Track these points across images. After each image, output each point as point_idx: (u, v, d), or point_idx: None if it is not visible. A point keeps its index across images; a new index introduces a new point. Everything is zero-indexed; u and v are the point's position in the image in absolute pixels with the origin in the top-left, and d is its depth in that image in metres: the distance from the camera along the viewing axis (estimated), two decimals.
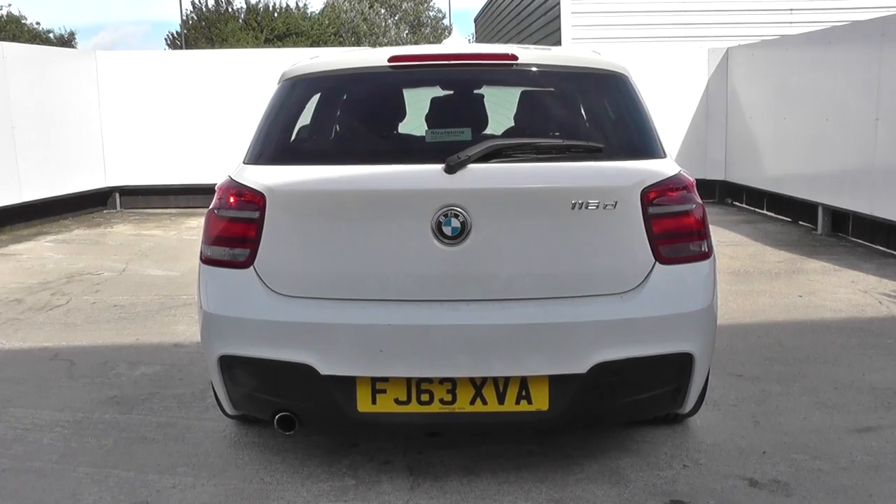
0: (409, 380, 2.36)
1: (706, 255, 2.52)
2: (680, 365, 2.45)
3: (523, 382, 2.36)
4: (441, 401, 2.37)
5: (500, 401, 2.37)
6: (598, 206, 2.35)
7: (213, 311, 2.50)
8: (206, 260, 2.55)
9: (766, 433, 3.11)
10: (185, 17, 32.74)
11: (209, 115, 9.53)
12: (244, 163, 2.61)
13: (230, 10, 34.75)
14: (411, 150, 2.56)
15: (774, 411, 3.32)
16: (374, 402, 2.38)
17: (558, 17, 13.13)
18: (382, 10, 45.60)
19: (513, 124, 2.71)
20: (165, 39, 37.44)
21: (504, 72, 2.66)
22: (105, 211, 9.79)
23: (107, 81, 9.45)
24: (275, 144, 2.64)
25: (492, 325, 2.33)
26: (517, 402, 2.37)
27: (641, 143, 2.53)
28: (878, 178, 6.11)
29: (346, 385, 2.36)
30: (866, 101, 6.11)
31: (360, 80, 2.70)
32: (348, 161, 2.48)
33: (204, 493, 2.67)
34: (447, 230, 2.32)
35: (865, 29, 6.18)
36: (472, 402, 2.37)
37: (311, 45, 32.99)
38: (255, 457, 2.93)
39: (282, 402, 2.46)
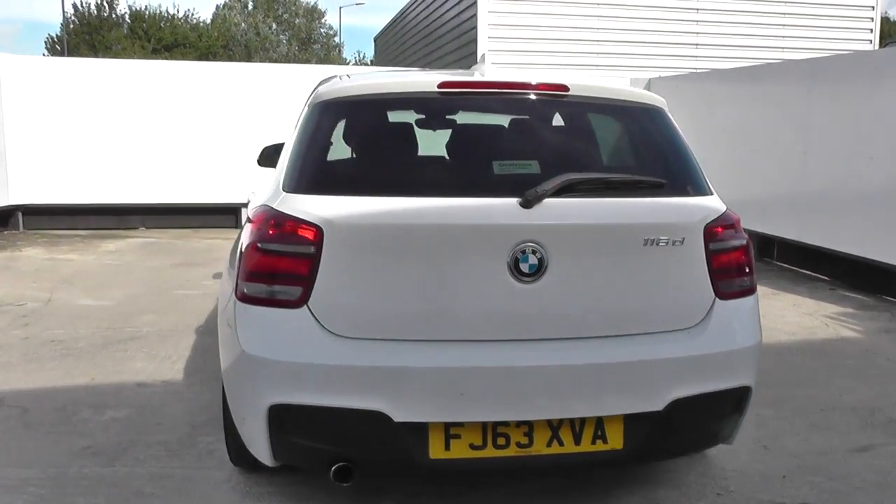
0: (485, 424, 2.24)
1: (753, 289, 2.57)
2: (739, 398, 2.47)
3: (599, 422, 2.30)
4: (517, 444, 2.27)
5: (577, 441, 2.30)
6: (667, 243, 2.34)
7: (261, 354, 2.25)
8: (246, 298, 2.31)
9: (778, 457, 3.19)
10: (66, 20, 30.73)
11: (124, 130, 8.95)
12: (285, 190, 2.38)
13: (114, 16, 33.01)
14: (478, 182, 2.44)
15: (776, 435, 3.42)
16: (447, 448, 2.24)
17: (475, 40, 13.29)
18: (274, 25, 44.76)
19: (567, 157, 2.65)
20: (45, 43, 35.04)
21: (554, 102, 2.61)
22: (6, 232, 8.94)
23: (9, 89, 8.66)
24: (322, 171, 2.45)
25: (573, 365, 2.26)
26: (593, 442, 2.31)
27: (693, 178, 2.55)
28: (806, 207, 6.51)
29: (419, 431, 2.21)
30: (795, 135, 6.51)
31: (407, 104, 2.57)
32: (411, 192, 2.32)
33: None
34: (524, 267, 2.24)
35: (797, 69, 6.61)
36: (549, 445, 2.28)
37: (200, 58, 31.85)
38: None
39: (342, 452, 2.26)
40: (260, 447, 2.37)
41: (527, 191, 2.25)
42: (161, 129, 9.06)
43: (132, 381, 4.02)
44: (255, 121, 9.32)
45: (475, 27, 13.27)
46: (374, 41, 24.86)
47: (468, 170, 2.53)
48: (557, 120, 2.63)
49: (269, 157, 4.66)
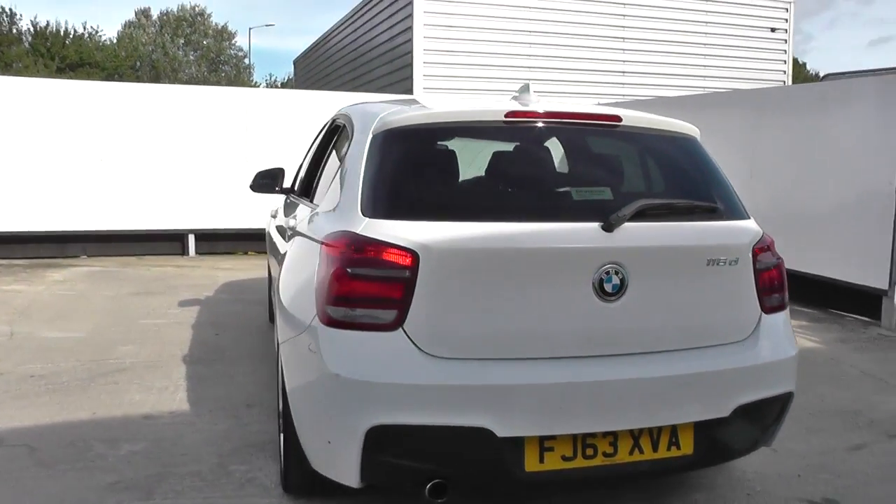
0: (575, 436, 2.35)
1: (786, 305, 2.80)
2: (783, 403, 2.68)
3: (674, 430, 2.46)
4: (604, 454, 2.39)
5: (654, 449, 2.44)
6: (725, 263, 2.55)
7: (358, 377, 2.28)
8: (334, 322, 2.34)
9: (787, 459, 3.43)
10: None
11: (62, 153, 8.60)
12: (366, 216, 2.43)
13: (14, 30, 31.41)
14: (559, 208, 2.57)
15: (779, 439, 3.61)
16: (541, 460, 2.34)
17: (410, 64, 13.47)
18: (182, 42, 43.65)
19: (630, 183, 2.81)
20: None
21: (608, 132, 2.77)
22: None
23: None
24: (406, 198, 2.51)
25: (653, 377, 2.41)
26: (668, 449, 2.46)
27: (735, 203, 2.77)
28: None
29: (517, 446, 2.30)
30: (742, 160, 6.97)
31: (475, 132, 2.68)
32: (500, 218, 2.42)
33: None
34: (608, 287, 2.38)
35: (745, 98, 7.10)
36: (631, 453, 2.42)
37: (107, 78, 30.73)
38: None
39: (439, 469, 2.31)
40: (347, 469, 2.38)
41: (608, 215, 2.41)
42: (101, 152, 8.76)
43: (137, 414, 3.90)
44: (200, 144, 9.15)
45: (410, 52, 13.46)
46: (294, 64, 24.69)
47: (548, 195, 2.66)
48: (611, 148, 2.79)
49: (263, 183, 4.67)
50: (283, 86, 40.76)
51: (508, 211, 2.50)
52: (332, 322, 2.35)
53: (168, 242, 9.17)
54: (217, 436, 3.61)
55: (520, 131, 2.73)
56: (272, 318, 5.66)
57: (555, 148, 2.79)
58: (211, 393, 4.22)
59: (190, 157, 9.08)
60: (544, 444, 2.34)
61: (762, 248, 2.68)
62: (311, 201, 3.33)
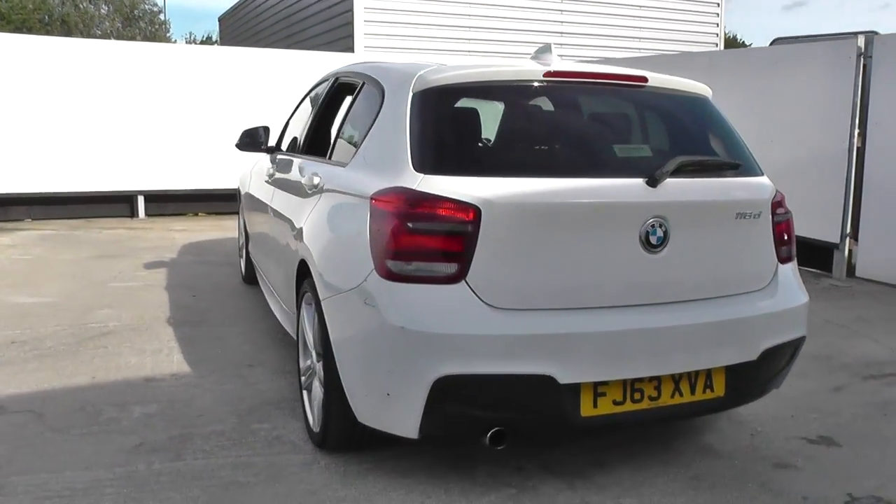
0: (625, 381, 2.48)
1: (794, 255, 2.99)
2: (796, 346, 2.88)
3: (708, 374, 2.62)
4: (649, 397, 2.53)
5: (692, 392, 2.60)
6: (750, 216, 2.71)
7: (425, 329, 2.33)
8: (394, 276, 2.38)
9: (778, 402, 3.64)
10: None
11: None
12: (419, 172, 2.46)
13: None
14: (606, 164, 2.66)
15: None
16: (595, 405, 2.46)
17: (351, 23, 13.24)
18: None
19: (665, 140, 2.92)
20: None
21: (634, 92, 2.87)
22: None
23: None
24: (457, 154, 2.56)
25: (694, 324, 2.56)
26: (703, 392, 2.62)
27: (750, 160, 2.92)
28: None
29: (575, 392, 2.41)
30: None
31: (515, 91, 2.73)
32: (552, 174, 2.51)
33: None
34: (653, 239, 2.51)
35: (695, 60, 7.31)
36: (672, 396, 2.57)
37: (14, 31, 28.84)
38: (390, 482, 2.78)
39: (501, 417, 2.41)
40: (407, 421, 2.44)
41: (649, 171, 2.53)
42: (46, 111, 8.32)
43: (137, 377, 3.82)
44: (146, 103, 8.80)
45: (351, 9, 13.22)
46: (220, 20, 23.77)
47: (595, 152, 2.74)
48: (638, 106, 2.89)
49: (250, 142, 4.62)
50: (203, 43, 39.19)
51: (560, 167, 2.60)
52: (392, 276, 2.39)
53: (116, 204, 8.84)
54: (228, 396, 3.59)
55: (556, 90, 2.79)
56: (247, 279, 5.60)
57: (587, 106, 2.87)
58: (207, 354, 4.18)
59: (136, 116, 8.73)
60: (598, 389, 2.46)
61: (778, 202, 2.85)
62: (329, 158, 3.31)
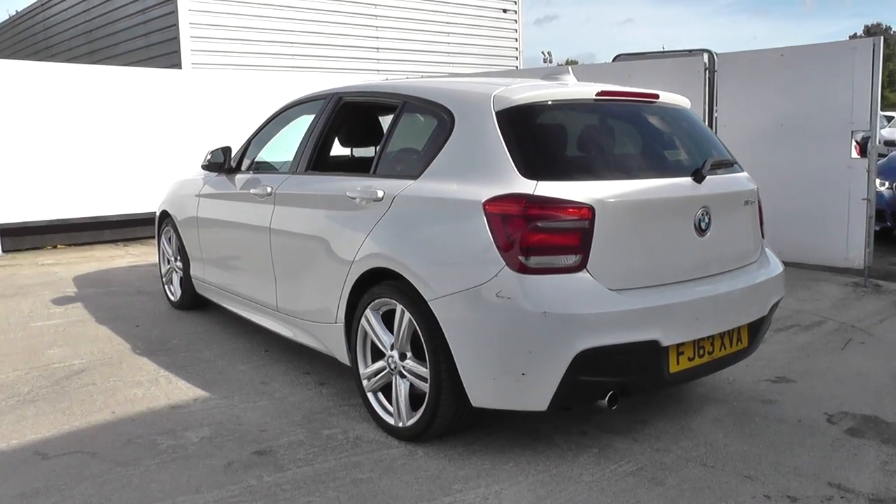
0: (695, 341, 3.05)
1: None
2: (777, 305, 3.64)
3: (739, 329, 3.28)
4: (708, 353, 3.14)
5: (731, 345, 3.25)
6: (750, 202, 3.46)
7: (565, 311, 2.72)
8: (527, 269, 2.75)
9: None
10: None
11: None
12: (531, 178, 2.84)
13: None
14: (665, 166, 3.24)
15: None
16: (678, 363, 3.00)
17: (177, 37, 12.77)
18: None
19: (689, 144, 3.49)
20: None
21: (649, 107, 3.47)
22: None
23: None
24: (560, 162, 3.00)
25: (740, 288, 3.21)
26: (736, 344, 3.29)
27: (733, 157, 3.65)
28: None
29: (666, 353, 2.93)
30: None
31: (572, 108, 3.25)
32: (634, 176, 3.05)
33: (516, 492, 2.84)
34: (702, 225, 3.13)
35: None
36: (720, 350, 3.20)
37: None
38: (494, 459, 3.11)
39: (618, 380, 2.87)
40: (540, 395, 2.82)
41: (691, 171, 3.18)
42: None
43: (161, 406, 3.75)
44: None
45: (176, 24, 12.77)
46: None
47: (655, 156, 3.33)
48: (655, 118, 3.49)
49: (214, 162, 4.71)
50: None
51: (638, 170, 3.17)
52: (526, 270, 2.76)
53: None
54: (270, 411, 3.67)
55: (605, 107, 3.34)
56: (184, 304, 5.47)
57: (629, 119, 3.44)
58: (209, 378, 4.15)
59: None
60: (679, 349, 3.01)
61: (757, 189, 3.61)
62: (373, 173, 3.54)
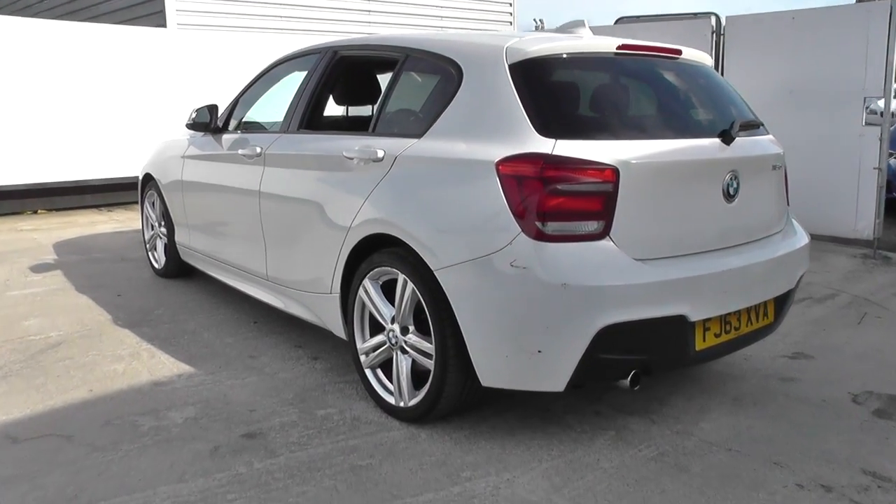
0: (722, 316, 2.81)
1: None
2: (800, 279, 3.41)
3: (765, 304, 3.03)
4: (734, 328, 2.89)
5: (757, 320, 3.01)
6: (778, 167, 3.20)
7: (587, 283, 2.46)
8: (545, 236, 2.48)
9: None
10: None
11: None
12: (549, 137, 2.56)
13: None
14: (691, 126, 2.96)
15: None
16: (704, 339, 2.76)
17: None
18: None
19: (715, 104, 3.21)
20: None
21: (672, 63, 3.16)
22: None
23: None
24: (580, 119, 2.72)
25: (766, 259, 2.96)
26: (762, 319, 3.05)
27: (758, 118, 3.38)
28: None
29: (692, 329, 2.69)
30: None
31: (591, 62, 2.95)
32: (661, 136, 2.76)
33: (525, 483, 2.63)
34: (730, 190, 2.87)
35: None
36: (746, 325, 2.96)
37: None
38: (504, 442, 2.90)
39: (642, 358, 2.63)
40: (557, 374, 2.56)
41: (715, 130, 2.90)
42: None
43: (143, 383, 3.50)
44: None
45: None
46: None
47: (681, 115, 3.05)
48: (677, 75, 3.21)
49: (200, 121, 4.43)
50: None
51: (664, 129, 2.89)
52: (544, 237, 2.49)
53: None
54: (260, 388, 3.43)
55: (627, 62, 3.03)
56: (168, 272, 5.20)
57: (650, 75, 3.15)
58: (194, 352, 3.90)
59: None
60: (706, 324, 2.77)
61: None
62: (372, 132, 3.26)
